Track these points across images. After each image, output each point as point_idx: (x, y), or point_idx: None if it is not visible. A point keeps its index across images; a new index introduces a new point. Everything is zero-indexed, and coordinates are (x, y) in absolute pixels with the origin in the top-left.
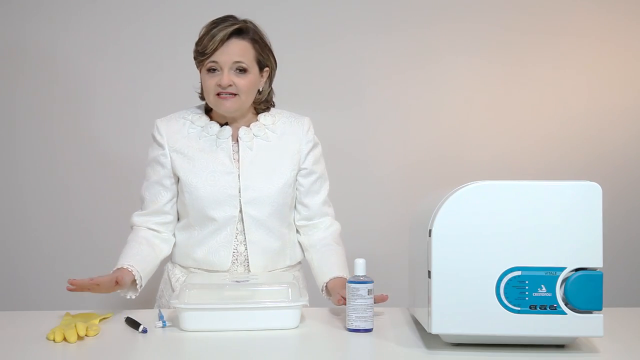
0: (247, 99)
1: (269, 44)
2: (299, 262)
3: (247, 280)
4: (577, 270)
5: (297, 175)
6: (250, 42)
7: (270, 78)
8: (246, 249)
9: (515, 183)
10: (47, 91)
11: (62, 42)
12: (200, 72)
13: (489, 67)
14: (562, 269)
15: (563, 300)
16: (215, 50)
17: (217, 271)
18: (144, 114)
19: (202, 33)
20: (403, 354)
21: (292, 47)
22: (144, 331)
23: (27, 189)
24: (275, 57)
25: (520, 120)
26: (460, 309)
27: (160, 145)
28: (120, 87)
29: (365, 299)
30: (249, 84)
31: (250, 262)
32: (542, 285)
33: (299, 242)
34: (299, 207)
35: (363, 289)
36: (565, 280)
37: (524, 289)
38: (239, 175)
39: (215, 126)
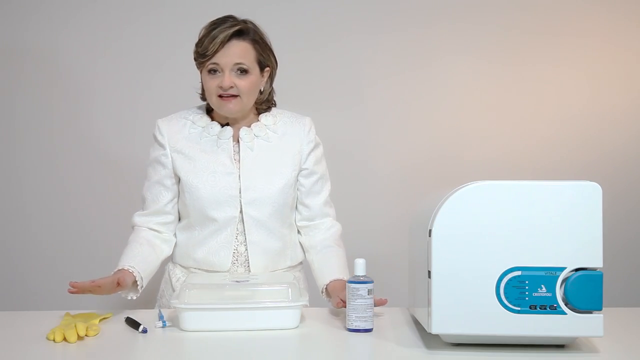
0: (249, 100)
1: (269, 43)
2: (300, 263)
3: (247, 281)
4: (577, 270)
5: (298, 175)
6: (250, 43)
7: (271, 78)
8: (246, 250)
9: (515, 183)
10: (47, 91)
11: (62, 42)
12: (200, 72)
13: (489, 67)
14: (562, 269)
15: (563, 300)
16: (216, 52)
17: (218, 271)
18: (144, 114)
19: (202, 34)
20: (403, 354)
21: (292, 47)
22: (144, 331)
23: (27, 189)
24: (276, 56)
25: (520, 120)
26: (460, 309)
27: (162, 145)
28: (120, 87)
29: (365, 299)
30: (251, 84)
31: (250, 263)
32: (542, 285)
33: (300, 243)
34: (300, 207)
35: (363, 289)
36: (565, 280)
37: (524, 289)
38: (239, 175)
39: (216, 126)
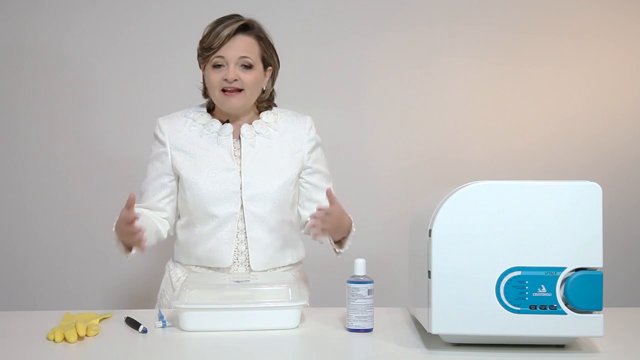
0: (252, 95)
1: (272, 43)
2: (301, 261)
3: (247, 280)
4: (577, 270)
5: (299, 173)
6: (255, 38)
7: (273, 78)
8: (247, 246)
9: (515, 183)
10: (48, 90)
11: (63, 41)
12: (204, 69)
13: (489, 67)
14: (562, 269)
15: (563, 300)
16: (221, 45)
17: (219, 268)
18: (145, 113)
19: (206, 31)
20: (403, 354)
21: (293, 46)
22: (144, 331)
23: (27, 189)
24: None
25: (520, 120)
26: (460, 309)
27: (162, 143)
28: (121, 86)
29: (365, 299)
30: (255, 79)
31: (251, 259)
32: (542, 285)
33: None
34: (307, 204)
35: (363, 289)
36: (565, 280)
37: (524, 289)
38: (240, 172)
39: (216, 124)
